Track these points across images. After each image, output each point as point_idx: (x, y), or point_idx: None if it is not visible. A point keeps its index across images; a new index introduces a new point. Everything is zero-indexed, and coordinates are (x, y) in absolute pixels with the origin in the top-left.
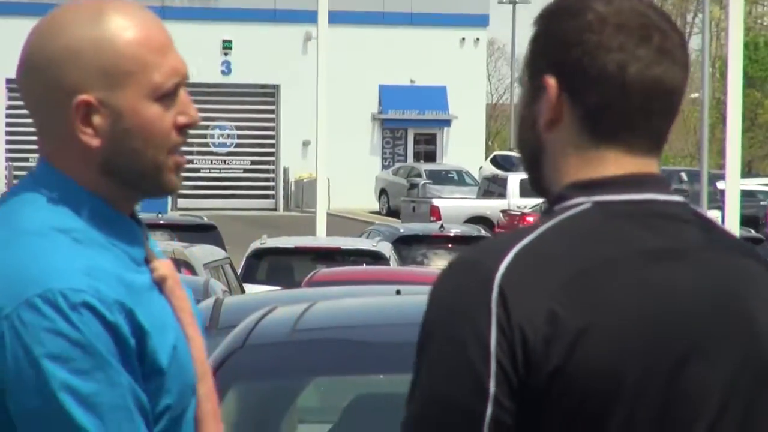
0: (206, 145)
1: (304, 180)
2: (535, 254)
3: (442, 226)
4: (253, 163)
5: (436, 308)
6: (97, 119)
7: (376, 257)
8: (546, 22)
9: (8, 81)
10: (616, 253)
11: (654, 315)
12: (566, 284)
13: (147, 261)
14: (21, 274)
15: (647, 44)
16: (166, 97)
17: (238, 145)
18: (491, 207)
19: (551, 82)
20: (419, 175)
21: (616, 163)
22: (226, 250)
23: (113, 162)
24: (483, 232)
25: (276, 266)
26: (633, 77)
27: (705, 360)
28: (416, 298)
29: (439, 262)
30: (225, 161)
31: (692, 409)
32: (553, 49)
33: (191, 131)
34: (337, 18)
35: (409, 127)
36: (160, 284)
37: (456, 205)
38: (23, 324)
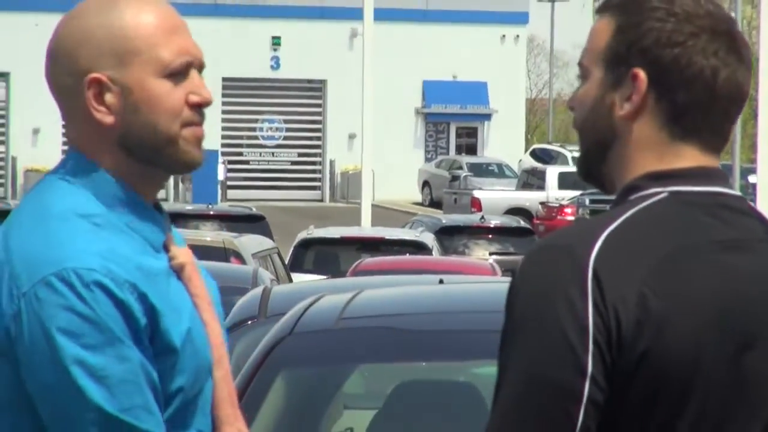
0: (255, 137)
1: (350, 172)
2: (622, 240)
3: (482, 217)
4: (300, 155)
5: (528, 293)
6: (109, 97)
7: (419, 247)
8: (633, 15)
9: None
10: (693, 242)
11: (725, 303)
12: (653, 270)
13: (166, 248)
14: (40, 256)
15: (734, 51)
16: (175, 75)
17: (286, 138)
18: (530, 199)
19: (641, 75)
20: (461, 168)
21: (690, 157)
22: (274, 240)
23: (128, 138)
24: (522, 224)
25: (322, 256)
26: (722, 82)
27: (765, 348)
28: (458, 287)
29: (479, 252)
30: (273, 153)
31: (759, 391)
32: (649, 44)
33: (241, 125)
34: (382, 15)
35: (451, 121)
36: (178, 271)
37: (496, 197)
38: (39, 300)
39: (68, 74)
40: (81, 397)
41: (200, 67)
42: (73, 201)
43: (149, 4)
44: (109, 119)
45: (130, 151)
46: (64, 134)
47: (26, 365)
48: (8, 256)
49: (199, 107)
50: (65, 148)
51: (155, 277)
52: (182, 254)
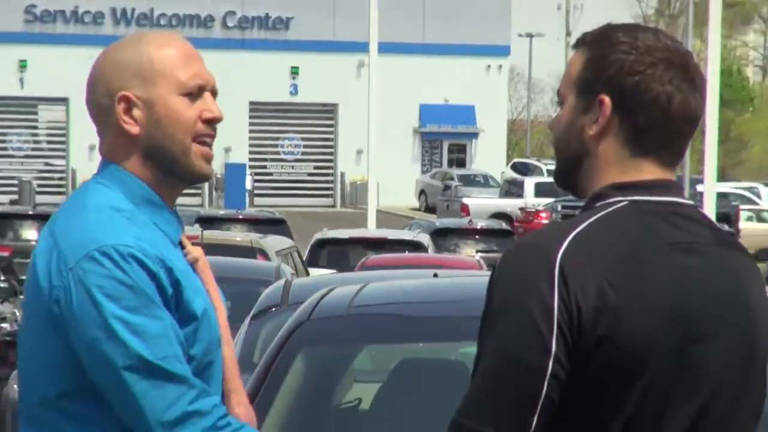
0: (277, 153)
1: (358, 182)
2: (586, 241)
3: (470, 220)
4: (315, 168)
5: (505, 284)
6: (136, 112)
7: (416, 246)
8: (601, 48)
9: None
10: (648, 244)
11: (675, 299)
12: (612, 267)
13: (182, 245)
14: (84, 237)
15: (687, 80)
16: (191, 95)
17: (303, 153)
18: (511, 205)
19: (607, 101)
20: (452, 179)
21: (649, 171)
22: (293, 240)
23: (151, 147)
24: (504, 226)
25: (334, 253)
26: (676, 106)
27: (710, 338)
28: (450, 280)
29: (468, 250)
30: (293, 167)
31: (698, 380)
32: (613, 73)
33: (265, 142)
34: (385, 48)
35: (443, 139)
36: (192, 264)
37: (482, 203)
38: (84, 272)
39: (104, 95)
40: (124, 348)
41: (213, 91)
42: (107, 197)
43: (171, 39)
44: (135, 129)
45: (152, 159)
46: (98, 148)
47: (75, 328)
48: (55, 241)
49: (211, 123)
50: None
51: (176, 262)
52: (195, 250)
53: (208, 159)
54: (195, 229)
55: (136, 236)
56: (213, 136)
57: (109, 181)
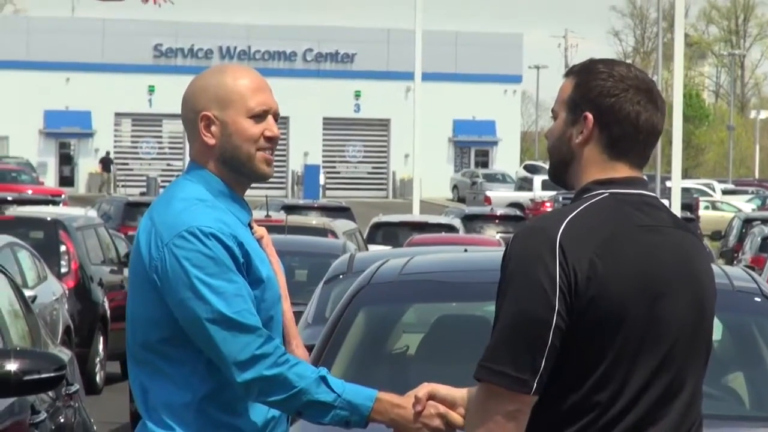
0: (344, 156)
1: (405, 179)
2: (579, 223)
3: (492, 208)
4: (373, 168)
5: (518, 257)
6: (213, 128)
7: (450, 228)
8: (585, 76)
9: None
10: (624, 226)
11: (644, 266)
12: (599, 244)
13: (251, 227)
14: (176, 220)
15: (651, 102)
16: (256, 117)
17: (364, 157)
18: (523, 197)
19: (590, 116)
20: (478, 177)
21: (623, 171)
22: (356, 223)
23: (224, 154)
24: (518, 213)
25: (388, 233)
26: (643, 122)
27: (671, 298)
28: (476, 254)
29: (490, 231)
30: (356, 167)
31: (663, 331)
32: (594, 95)
33: (335, 148)
34: (426, 76)
35: (471, 146)
36: (259, 241)
37: (501, 196)
38: (176, 246)
39: (191, 111)
40: (207, 305)
41: (275, 115)
42: (192, 190)
43: (245, 72)
44: (212, 141)
45: (225, 163)
46: (188, 153)
47: (169, 290)
48: (153, 223)
49: (270, 140)
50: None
51: (247, 239)
52: (261, 230)
53: (269, 163)
54: (281, 215)
55: (215, 219)
56: (272, 148)
57: (194, 178)
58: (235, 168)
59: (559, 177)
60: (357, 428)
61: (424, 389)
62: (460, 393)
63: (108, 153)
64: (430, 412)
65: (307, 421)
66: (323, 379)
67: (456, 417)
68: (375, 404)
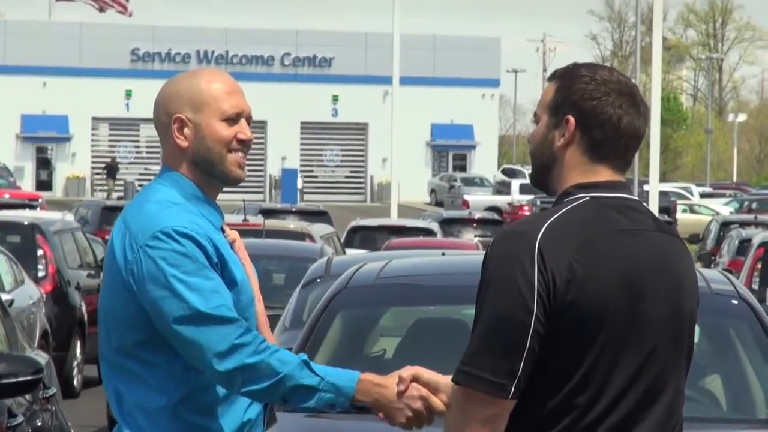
0: (321, 160)
1: (383, 183)
2: (559, 227)
3: (470, 212)
4: (351, 172)
5: (497, 261)
6: (186, 130)
7: (428, 232)
8: (568, 80)
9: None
10: (605, 229)
11: (625, 270)
12: (578, 247)
13: (223, 230)
14: (149, 222)
15: (633, 105)
16: (229, 120)
17: (341, 161)
18: (501, 200)
19: (571, 119)
20: (456, 180)
21: (605, 174)
22: (334, 227)
23: (197, 157)
24: (496, 217)
25: (365, 237)
26: (624, 126)
27: (652, 301)
28: (454, 258)
29: (468, 235)
30: (334, 171)
31: (643, 334)
32: (576, 99)
33: (313, 152)
34: (404, 80)
35: (449, 150)
36: (231, 244)
37: (479, 200)
38: (151, 247)
39: (164, 114)
40: (183, 302)
41: (248, 118)
42: (164, 194)
43: (218, 76)
44: (185, 144)
45: (198, 165)
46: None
47: (144, 290)
48: (126, 226)
49: (243, 143)
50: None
51: (220, 242)
52: (234, 234)
53: (241, 166)
54: (258, 219)
55: (188, 220)
56: (245, 151)
57: (167, 182)
58: (207, 170)
59: (541, 181)
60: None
61: (408, 371)
62: (444, 379)
63: (113, 159)
64: (412, 394)
65: (292, 406)
66: (306, 363)
67: (437, 402)
68: (358, 384)
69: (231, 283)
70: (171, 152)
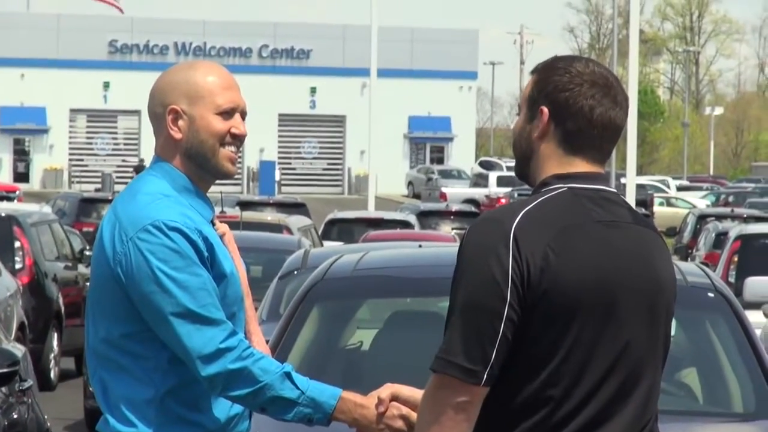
0: (299, 152)
1: (361, 175)
2: (535, 216)
3: (447, 204)
4: (328, 164)
5: (472, 248)
6: (181, 122)
7: (406, 224)
8: (544, 73)
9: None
10: (581, 220)
11: (600, 260)
12: (554, 236)
13: (213, 223)
14: (140, 214)
15: (608, 96)
16: (224, 113)
17: (319, 153)
18: (478, 193)
19: (545, 111)
20: (433, 173)
21: (581, 165)
22: (311, 220)
23: (189, 149)
24: (473, 209)
25: (343, 230)
26: (598, 116)
27: (627, 293)
28: (431, 250)
29: (445, 228)
30: (311, 163)
31: (618, 326)
32: (550, 91)
33: (291, 144)
34: (382, 73)
35: (427, 142)
36: (221, 237)
37: (456, 192)
38: (140, 240)
39: (159, 105)
40: (171, 298)
41: (243, 112)
42: (156, 186)
43: (214, 69)
44: (179, 135)
45: (190, 158)
46: (154, 148)
47: (133, 283)
48: (117, 217)
49: (236, 137)
50: None
51: (210, 235)
52: (224, 227)
53: (233, 161)
54: (236, 211)
55: (179, 213)
56: (237, 145)
57: (159, 173)
58: (199, 163)
59: (522, 172)
60: (319, 426)
61: (387, 390)
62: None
63: (142, 160)
64: (392, 413)
65: (271, 417)
66: (288, 375)
67: None
68: (338, 403)
69: (220, 276)
70: (164, 143)
